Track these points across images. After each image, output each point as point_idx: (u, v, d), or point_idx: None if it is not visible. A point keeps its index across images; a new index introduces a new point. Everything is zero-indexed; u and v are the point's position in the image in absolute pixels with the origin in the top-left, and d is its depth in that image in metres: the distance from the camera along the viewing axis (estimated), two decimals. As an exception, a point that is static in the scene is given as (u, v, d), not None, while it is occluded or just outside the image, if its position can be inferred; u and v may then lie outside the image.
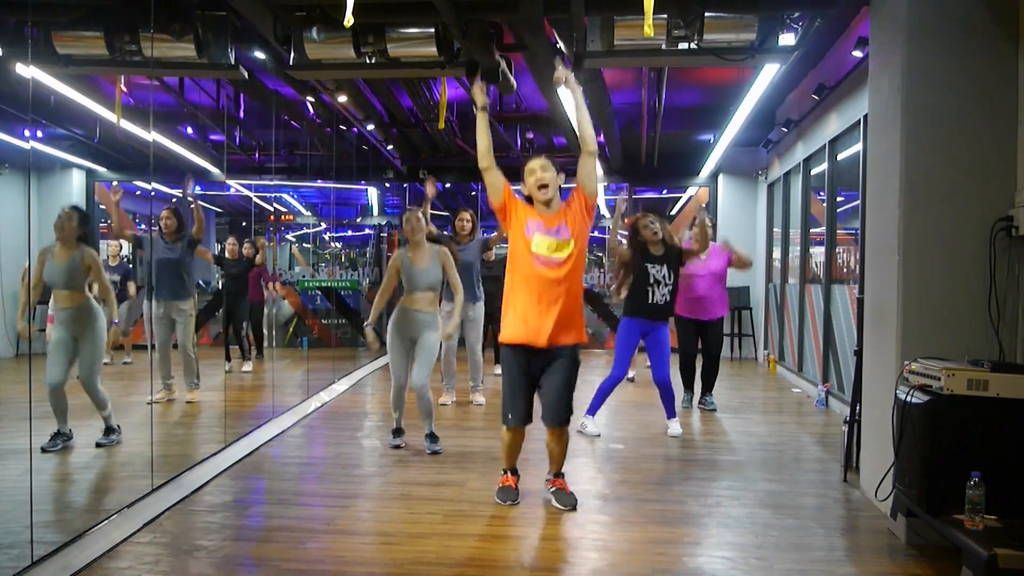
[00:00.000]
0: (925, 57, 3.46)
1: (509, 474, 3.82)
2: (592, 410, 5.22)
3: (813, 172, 7.40)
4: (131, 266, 8.14)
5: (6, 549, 3.07)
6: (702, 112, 8.49)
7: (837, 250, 6.59)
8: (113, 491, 4.01)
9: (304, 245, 16.95)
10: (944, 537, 2.96)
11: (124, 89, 6.63)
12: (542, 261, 3.50)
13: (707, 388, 6.19)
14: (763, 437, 5.22)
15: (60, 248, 4.55)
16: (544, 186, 3.54)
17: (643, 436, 5.18)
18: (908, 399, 3.11)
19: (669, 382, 5.21)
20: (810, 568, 2.99)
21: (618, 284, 5.35)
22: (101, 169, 9.79)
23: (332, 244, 17.63)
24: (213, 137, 9.77)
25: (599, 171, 4.16)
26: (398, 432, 4.88)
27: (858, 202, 5.70)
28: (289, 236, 16.57)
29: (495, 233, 6.37)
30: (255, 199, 11.96)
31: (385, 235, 12.12)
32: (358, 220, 15.61)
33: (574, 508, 3.63)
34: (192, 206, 6.13)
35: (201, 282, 7.36)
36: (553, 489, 3.75)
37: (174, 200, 6.50)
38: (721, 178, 10.03)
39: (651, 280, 5.08)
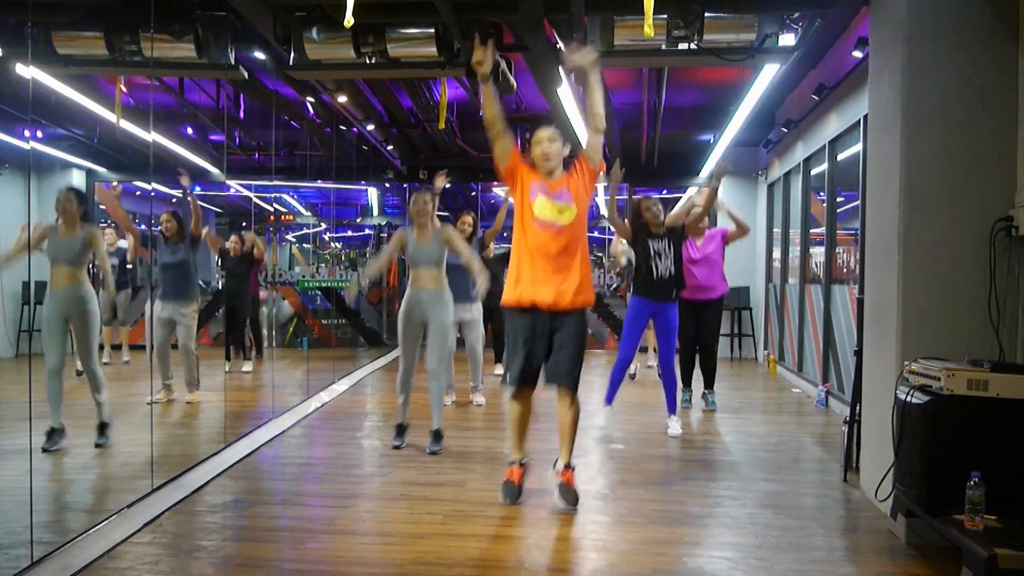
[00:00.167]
0: (925, 57, 3.46)
1: (517, 466, 3.79)
2: (609, 399, 5.28)
3: (813, 172, 7.40)
4: (128, 257, 8.15)
5: (6, 549, 3.06)
6: (702, 112, 8.49)
7: (837, 250, 6.59)
8: (113, 491, 4.01)
9: (304, 245, 16.96)
10: (944, 537, 2.96)
11: (124, 89, 6.63)
12: (543, 224, 3.57)
13: (708, 383, 6.18)
14: (763, 437, 5.22)
15: (64, 227, 4.64)
16: (548, 158, 3.62)
17: (643, 436, 5.18)
18: (908, 399, 3.11)
19: (673, 367, 5.31)
20: (810, 568, 2.99)
21: (625, 282, 5.40)
22: (101, 169, 9.79)
23: (332, 244, 17.64)
24: (213, 137, 9.77)
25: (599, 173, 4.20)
26: (401, 430, 4.84)
27: (858, 202, 5.70)
28: (289, 236, 16.58)
29: (491, 228, 6.38)
30: (255, 199, 11.96)
31: (385, 235, 12.13)
32: (358, 220, 15.62)
33: (575, 506, 3.63)
34: (188, 198, 6.15)
35: (201, 282, 7.35)
36: (559, 482, 3.72)
37: (174, 200, 6.51)
38: (720, 203, 10.00)
39: (652, 253, 5.15)
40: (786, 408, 6.47)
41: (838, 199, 6.62)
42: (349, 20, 3.57)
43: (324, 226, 16.64)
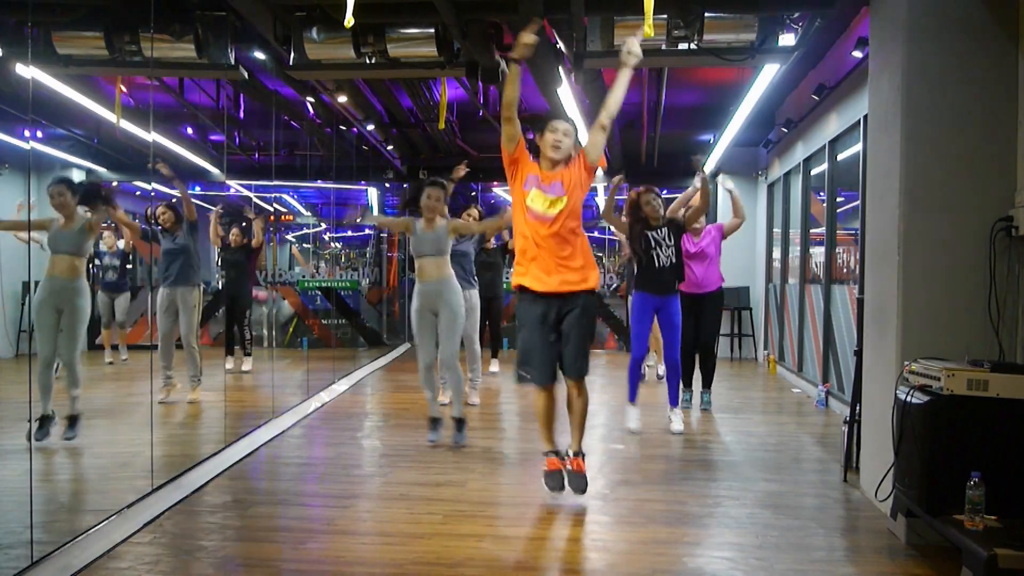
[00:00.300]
0: (925, 57, 3.46)
1: (553, 456, 3.83)
2: (632, 397, 5.29)
3: (813, 172, 7.40)
4: (130, 257, 8.14)
5: (6, 549, 3.07)
6: (702, 112, 8.49)
7: (837, 250, 6.59)
8: (113, 491, 4.01)
9: (304, 245, 16.96)
10: (944, 537, 2.96)
11: (124, 89, 6.64)
12: (534, 215, 3.65)
13: (706, 383, 6.17)
14: (763, 437, 5.22)
15: (65, 219, 4.67)
16: (558, 147, 3.67)
17: (643, 436, 5.17)
18: (908, 399, 3.11)
19: (678, 363, 5.34)
20: (810, 568, 2.99)
21: (625, 282, 5.40)
22: (101, 169, 9.79)
23: (332, 244, 17.64)
24: (213, 137, 9.77)
25: (599, 172, 4.22)
26: (435, 423, 4.86)
27: (858, 202, 5.70)
28: (289, 236, 16.59)
29: (492, 224, 6.34)
30: (255, 199, 11.95)
31: (385, 235, 12.12)
32: (358, 220, 15.61)
33: (584, 491, 3.70)
34: (175, 185, 6.18)
35: (202, 282, 7.37)
36: (569, 469, 3.77)
37: (174, 200, 6.54)
38: (721, 178, 10.02)
39: (652, 244, 5.16)
40: (786, 408, 6.47)
41: (838, 199, 6.62)
42: (349, 20, 3.57)
43: (324, 226, 16.64)
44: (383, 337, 11.25)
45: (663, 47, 4.51)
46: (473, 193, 12.57)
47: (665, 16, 4.33)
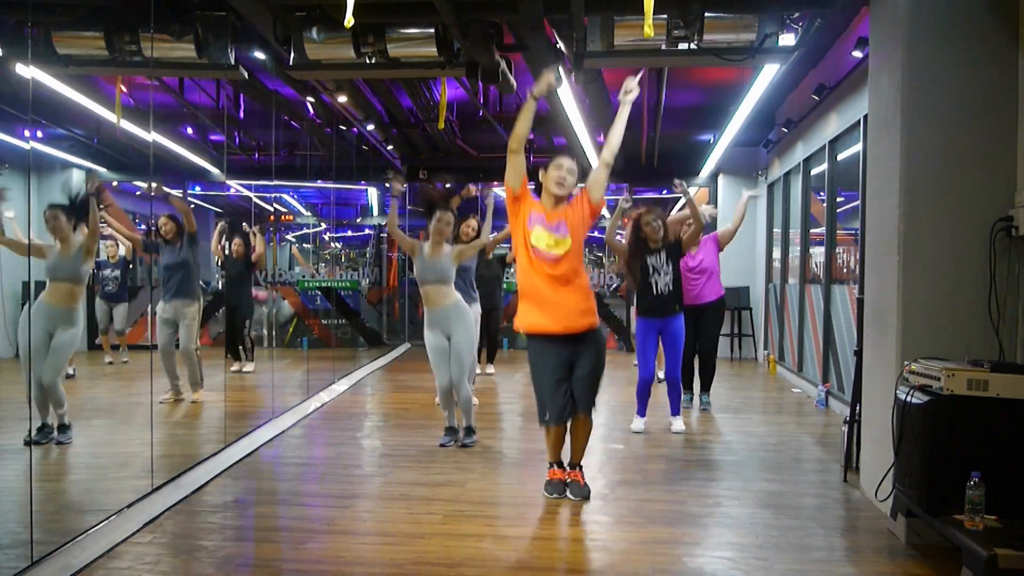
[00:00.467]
0: (925, 57, 3.46)
1: (556, 467, 3.91)
2: (641, 412, 5.36)
3: (813, 172, 7.40)
4: (130, 265, 8.13)
5: (6, 549, 3.07)
6: (702, 112, 8.49)
7: (837, 250, 6.59)
8: (113, 491, 4.01)
9: (304, 245, 16.96)
10: (944, 537, 2.96)
11: (124, 89, 6.63)
12: (539, 255, 3.65)
13: (704, 386, 6.20)
14: (763, 437, 5.22)
15: (61, 245, 4.69)
16: (563, 184, 3.67)
17: (643, 436, 5.17)
18: (908, 399, 3.11)
19: (679, 379, 5.43)
20: (810, 568, 2.99)
21: (625, 282, 5.43)
22: (101, 169, 9.78)
23: (332, 244, 17.64)
24: (213, 137, 9.77)
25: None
26: (450, 431, 4.91)
27: (858, 202, 5.70)
28: (289, 236, 16.59)
29: (490, 237, 6.33)
30: (255, 199, 11.96)
31: (385, 235, 12.12)
32: (358, 220, 15.61)
33: (587, 499, 3.74)
34: (174, 204, 6.21)
35: (202, 283, 7.37)
36: (570, 480, 3.85)
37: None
38: (721, 178, 10.03)
39: (651, 270, 5.20)
40: (786, 408, 6.47)
41: (838, 199, 6.62)
42: (349, 20, 3.57)
43: (324, 226, 16.64)
44: (383, 337, 11.25)
45: (663, 47, 4.51)
46: (473, 193, 12.56)
47: (665, 16, 4.33)
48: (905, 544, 3.24)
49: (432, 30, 4.62)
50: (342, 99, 7.02)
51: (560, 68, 5.38)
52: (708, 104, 8.15)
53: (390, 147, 9.44)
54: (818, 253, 7.12)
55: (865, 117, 4.90)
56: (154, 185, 6.04)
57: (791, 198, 8.30)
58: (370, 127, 8.27)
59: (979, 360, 3.08)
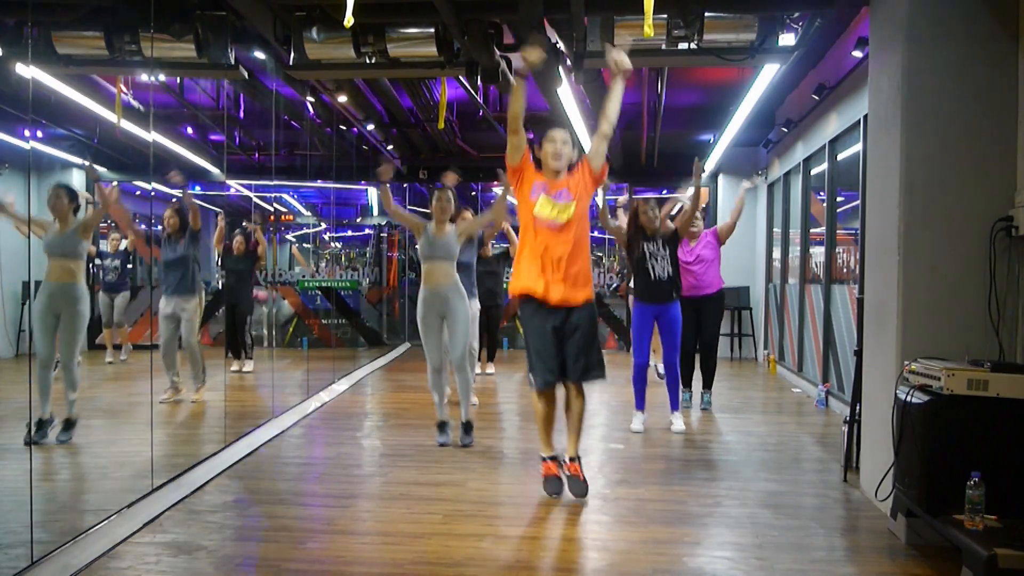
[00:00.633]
0: (925, 57, 3.46)
1: (550, 461, 3.88)
2: (639, 404, 5.36)
3: (813, 172, 7.39)
4: (131, 257, 8.14)
5: (6, 549, 3.06)
6: (702, 112, 8.49)
7: (837, 250, 6.59)
8: (113, 491, 4.01)
9: (304, 245, 16.96)
10: (944, 537, 2.96)
11: (124, 89, 6.63)
12: (544, 223, 3.68)
13: (706, 383, 6.18)
14: (763, 437, 5.22)
15: (59, 224, 4.77)
16: (559, 156, 3.73)
17: (643, 436, 5.18)
18: (908, 399, 3.11)
19: (676, 364, 5.42)
20: (810, 568, 2.99)
21: (625, 282, 5.47)
22: (101, 169, 9.77)
23: (332, 244, 17.65)
24: (213, 137, 9.77)
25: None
26: (443, 427, 4.89)
27: (858, 202, 5.70)
28: (289, 236, 16.58)
29: (488, 223, 6.33)
30: (255, 199, 11.96)
31: (385, 235, 12.12)
32: (358, 220, 15.61)
33: (585, 496, 3.72)
34: (184, 196, 6.21)
35: (202, 282, 7.38)
36: (567, 475, 3.82)
37: (173, 200, 6.54)
38: (721, 178, 10.02)
39: (647, 255, 5.25)
40: (786, 408, 6.47)
41: (838, 199, 6.62)
42: (349, 20, 3.57)
43: (324, 226, 16.64)
44: (383, 337, 11.25)
45: (663, 47, 4.51)
46: (473, 193, 12.58)
47: (665, 16, 4.33)
48: (905, 544, 3.24)
49: (432, 30, 4.62)
50: (342, 99, 7.02)
51: (560, 68, 5.39)
52: (708, 104, 8.15)
53: (390, 147, 9.44)
54: (818, 253, 7.12)
55: (865, 117, 4.90)
56: (173, 173, 5.98)
57: (791, 198, 8.30)
58: (370, 127, 8.27)
59: (979, 360, 3.08)
